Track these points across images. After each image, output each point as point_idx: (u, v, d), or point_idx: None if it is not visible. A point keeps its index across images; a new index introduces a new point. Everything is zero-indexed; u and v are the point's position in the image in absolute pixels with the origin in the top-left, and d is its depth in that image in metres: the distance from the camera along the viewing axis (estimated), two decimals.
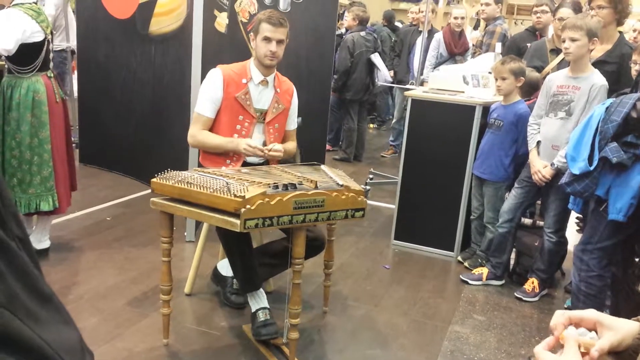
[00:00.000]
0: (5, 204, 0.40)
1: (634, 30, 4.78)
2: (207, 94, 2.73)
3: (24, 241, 0.41)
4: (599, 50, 3.18)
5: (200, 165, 2.80)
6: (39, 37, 3.04)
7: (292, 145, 2.92)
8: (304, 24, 4.43)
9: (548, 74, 3.53)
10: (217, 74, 2.73)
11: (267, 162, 2.82)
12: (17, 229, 0.41)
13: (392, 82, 6.57)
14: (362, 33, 6.01)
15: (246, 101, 2.73)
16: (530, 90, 3.61)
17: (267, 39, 2.65)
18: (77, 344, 0.43)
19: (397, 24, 8.67)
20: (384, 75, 6.11)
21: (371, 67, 6.05)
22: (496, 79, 3.41)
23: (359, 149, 6.37)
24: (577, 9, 3.78)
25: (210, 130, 2.76)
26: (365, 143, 6.59)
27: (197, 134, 2.75)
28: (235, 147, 2.68)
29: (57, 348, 0.40)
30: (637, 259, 2.70)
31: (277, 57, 2.70)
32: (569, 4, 3.74)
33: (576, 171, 2.53)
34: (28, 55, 3.03)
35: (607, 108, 2.47)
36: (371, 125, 8.34)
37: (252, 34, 2.75)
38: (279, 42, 2.67)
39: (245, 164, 2.76)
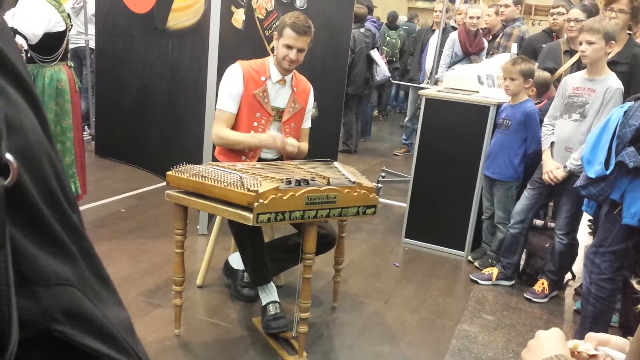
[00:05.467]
0: (69, 190, 0.43)
1: None
2: (227, 89, 2.74)
3: (82, 225, 0.44)
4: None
5: (215, 160, 2.84)
6: (61, 27, 3.11)
7: (304, 145, 2.94)
8: (320, 22, 4.44)
9: (561, 75, 3.53)
10: (237, 69, 2.75)
11: (281, 158, 2.85)
12: (77, 216, 0.44)
13: (392, 77, 6.82)
14: (362, 29, 6.17)
15: (264, 99, 2.75)
16: (542, 91, 3.60)
17: (288, 47, 2.67)
18: (130, 325, 0.46)
19: (411, 23, 8.72)
20: (382, 70, 6.30)
21: (370, 62, 6.25)
22: (505, 79, 3.41)
23: (357, 140, 6.67)
24: (595, 11, 3.76)
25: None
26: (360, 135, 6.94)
27: (222, 133, 2.75)
28: (258, 141, 2.73)
29: (117, 327, 0.43)
30: None
31: (296, 63, 2.73)
32: (581, 5, 3.73)
33: (592, 174, 2.53)
34: (51, 45, 3.11)
35: (625, 112, 2.47)
36: (375, 113, 8.78)
37: (275, 33, 2.76)
38: (300, 50, 2.68)
39: (260, 160, 2.79)
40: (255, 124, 2.76)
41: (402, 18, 9.61)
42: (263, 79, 2.75)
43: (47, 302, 0.37)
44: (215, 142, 2.84)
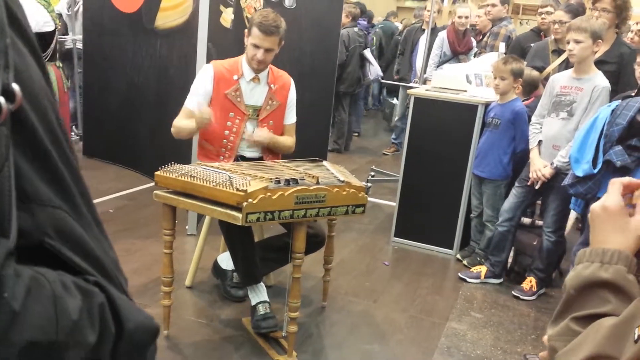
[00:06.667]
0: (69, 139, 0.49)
1: (632, 32, 4.76)
2: (195, 88, 2.76)
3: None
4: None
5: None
6: (50, 27, 3.08)
7: (288, 140, 2.89)
8: (309, 21, 4.44)
9: (549, 74, 3.55)
10: (208, 70, 2.75)
11: (262, 157, 2.83)
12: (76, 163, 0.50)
13: (385, 78, 7.02)
14: (355, 29, 6.31)
15: (236, 98, 2.74)
16: (530, 89, 3.62)
17: (256, 46, 2.63)
18: (118, 266, 0.52)
19: (398, 23, 8.79)
20: (375, 70, 6.49)
21: (363, 61, 6.41)
22: (495, 77, 3.42)
23: (347, 139, 6.76)
24: (581, 10, 3.80)
25: None
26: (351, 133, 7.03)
27: (175, 122, 2.76)
28: (202, 119, 2.63)
29: (109, 263, 0.49)
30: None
31: (264, 63, 2.69)
32: (566, 6, 3.77)
33: (580, 173, 2.55)
34: (39, 45, 3.08)
35: (612, 111, 2.49)
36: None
37: (246, 30, 2.73)
38: (268, 50, 2.64)
39: (241, 159, 2.78)
40: (229, 123, 2.74)
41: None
42: (235, 77, 2.73)
43: (40, 218, 0.43)
44: (172, 132, 2.80)
